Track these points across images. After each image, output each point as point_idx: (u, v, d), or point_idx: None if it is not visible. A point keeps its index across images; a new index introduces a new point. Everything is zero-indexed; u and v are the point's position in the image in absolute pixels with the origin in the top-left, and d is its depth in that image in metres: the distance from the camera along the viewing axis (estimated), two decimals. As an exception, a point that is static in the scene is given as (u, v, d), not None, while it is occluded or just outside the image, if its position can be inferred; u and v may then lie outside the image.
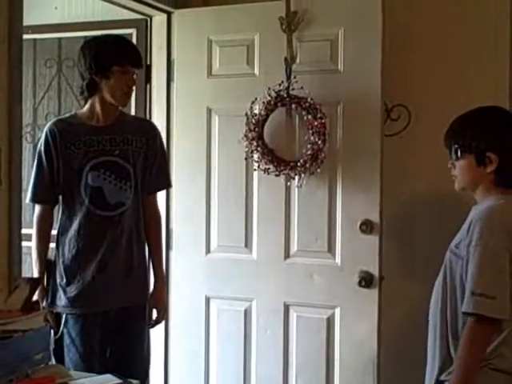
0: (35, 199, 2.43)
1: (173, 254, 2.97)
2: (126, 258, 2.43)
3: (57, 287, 2.40)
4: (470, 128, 1.95)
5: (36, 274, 2.39)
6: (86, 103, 2.46)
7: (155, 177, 2.52)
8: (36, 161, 2.43)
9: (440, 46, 2.75)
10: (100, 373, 1.90)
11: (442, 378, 1.89)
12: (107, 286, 2.39)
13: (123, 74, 2.38)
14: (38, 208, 2.45)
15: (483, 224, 1.83)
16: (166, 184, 2.66)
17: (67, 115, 2.60)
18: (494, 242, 1.80)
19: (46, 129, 2.45)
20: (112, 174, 2.40)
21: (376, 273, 2.62)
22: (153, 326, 2.57)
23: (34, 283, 1.96)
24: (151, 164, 2.50)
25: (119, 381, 1.81)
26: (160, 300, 2.56)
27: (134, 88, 2.47)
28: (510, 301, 1.79)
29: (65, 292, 2.38)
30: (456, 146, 1.95)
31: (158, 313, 2.56)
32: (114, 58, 2.36)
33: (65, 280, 2.39)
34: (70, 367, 2.17)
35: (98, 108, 2.43)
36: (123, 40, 2.52)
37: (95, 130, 2.42)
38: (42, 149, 2.41)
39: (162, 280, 2.61)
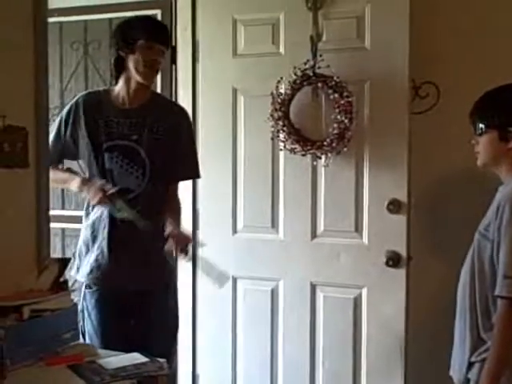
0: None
1: (199, 234, 2.97)
2: (139, 243, 2.37)
3: (78, 256, 2.45)
4: (494, 103, 1.95)
5: (75, 181, 2.41)
6: (117, 83, 2.47)
7: (179, 166, 2.47)
8: (56, 124, 2.46)
9: (470, 21, 2.68)
10: (118, 350, 1.91)
11: (473, 359, 1.89)
12: (122, 267, 2.37)
13: (148, 48, 2.37)
14: None
15: (511, 206, 1.80)
16: (194, 174, 2.56)
17: (101, 89, 2.62)
18: None
19: (75, 99, 2.48)
20: (125, 159, 2.38)
21: (403, 253, 2.59)
22: (185, 256, 2.38)
23: (62, 263, 1.99)
24: (174, 152, 2.44)
25: (146, 359, 1.83)
26: (179, 235, 2.36)
27: (159, 66, 2.44)
28: None
29: (83, 263, 2.42)
30: (479, 121, 1.95)
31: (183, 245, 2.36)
32: (140, 33, 2.36)
33: (84, 250, 2.43)
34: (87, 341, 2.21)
35: (124, 88, 2.43)
36: (153, 19, 2.55)
37: (118, 111, 2.42)
38: (63, 116, 2.46)
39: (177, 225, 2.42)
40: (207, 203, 2.94)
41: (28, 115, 2.05)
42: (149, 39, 2.36)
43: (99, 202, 2.35)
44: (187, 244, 2.36)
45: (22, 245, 2.04)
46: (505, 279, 1.77)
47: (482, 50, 2.67)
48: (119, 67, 2.43)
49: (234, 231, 2.90)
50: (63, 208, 3.24)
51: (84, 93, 2.54)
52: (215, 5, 2.93)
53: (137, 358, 1.83)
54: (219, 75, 2.91)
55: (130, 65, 2.38)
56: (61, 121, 2.46)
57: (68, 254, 2.96)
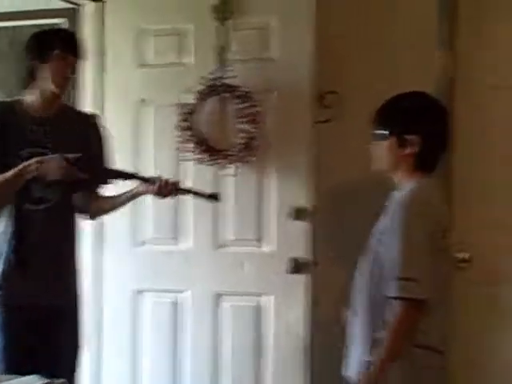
0: None
1: (104, 246, 2.91)
2: (51, 255, 2.33)
3: None
4: (393, 111, 2.00)
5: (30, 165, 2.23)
6: (28, 91, 2.40)
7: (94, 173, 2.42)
8: None
9: (373, 33, 2.77)
10: (26, 371, 1.84)
11: (368, 358, 1.89)
12: (30, 281, 2.30)
13: (63, 59, 2.33)
14: None
15: (404, 209, 1.86)
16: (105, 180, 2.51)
17: (9, 100, 2.53)
18: (415, 226, 1.84)
19: None
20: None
21: (308, 259, 2.62)
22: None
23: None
24: (88, 160, 2.36)
25: (44, 381, 1.74)
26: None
27: (72, 76, 2.41)
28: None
29: None
30: (380, 128, 2.00)
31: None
32: (55, 43, 2.32)
33: None
34: None
35: (35, 98, 2.37)
36: (68, 30, 2.59)
37: (30, 119, 2.36)
38: None
39: None
40: (112, 215, 2.85)
41: None
42: (64, 50, 2.33)
43: (65, 174, 2.21)
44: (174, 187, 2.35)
45: None
46: (397, 281, 1.81)
47: (381, 61, 2.75)
48: (31, 76, 2.37)
49: (139, 243, 2.85)
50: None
51: None
52: (123, 14, 2.91)
53: (34, 380, 1.76)
54: (126, 86, 2.89)
55: (44, 74, 2.33)
56: None
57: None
